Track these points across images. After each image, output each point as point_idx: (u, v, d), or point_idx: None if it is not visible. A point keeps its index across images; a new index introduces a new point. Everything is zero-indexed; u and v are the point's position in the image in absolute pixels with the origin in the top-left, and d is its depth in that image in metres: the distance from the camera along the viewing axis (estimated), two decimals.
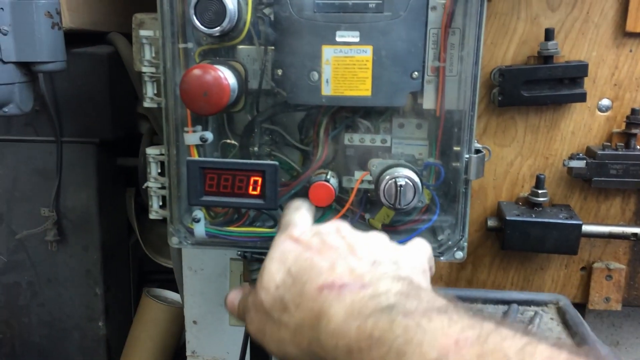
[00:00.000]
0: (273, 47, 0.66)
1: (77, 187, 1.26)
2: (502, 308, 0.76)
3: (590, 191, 0.93)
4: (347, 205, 0.70)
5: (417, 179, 0.65)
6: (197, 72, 0.62)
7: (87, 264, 1.30)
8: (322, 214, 0.72)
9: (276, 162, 0.65)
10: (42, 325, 1.35)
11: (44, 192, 1.25)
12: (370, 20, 0.63)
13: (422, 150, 0.71)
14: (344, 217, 0.71)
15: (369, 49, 0.63)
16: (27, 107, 0.85)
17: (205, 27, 0.63)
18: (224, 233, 0.71)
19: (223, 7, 0.62)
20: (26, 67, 0.82)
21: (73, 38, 1.06)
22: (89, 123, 1.23)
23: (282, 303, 0.46)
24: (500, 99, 0.87)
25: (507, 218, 0.88)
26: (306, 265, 0.46)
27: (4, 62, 0.79)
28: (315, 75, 0.64)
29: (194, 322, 1.11)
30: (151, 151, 0.73)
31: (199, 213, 0.70)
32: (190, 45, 0.68)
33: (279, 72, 0.66)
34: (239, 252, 0.78)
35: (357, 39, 0.63)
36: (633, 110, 0.87)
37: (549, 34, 0.85)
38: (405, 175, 0.65)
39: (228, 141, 0.73)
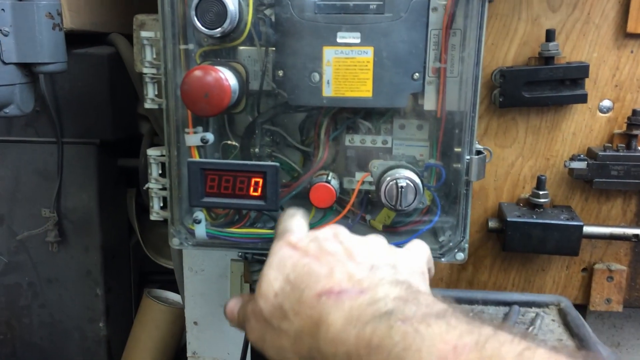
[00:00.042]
0: (274, 48, 0.66)
1: (78, 187, 1.26)
2: (503, 309, 0.76)
3: (591, 192, 0.93)
4: (348, 207, 0.70)
5: (418, 180, 0.65)
6: (198, 73, 0.62)
7: (88, 265, 1.30)
8: (323, 215, 0.71)
9: (277, 163, 0.65)
10: (42, 326, 1.35)
11: (44, 193, 1.25)
12: (371, 21, 0.63)
13: (423, 152, 0.71)
14: (345, 218, 0.71)
15: (370, 50, 0.63)
16: (28, 108, 0.86)
17: (206, 28, 0.63)
18: (225, 234, 0.71)
19: (224, 8, 0.62)
20: (27, 68, 0.82)
21: (74, 39, 1.06)
22: (89, 124, 1.23)
23: (281, 311, 0.46)
24: (501, 100, 0.87)
25: (508, 219, 0.88)
26: (304, 272, 0.46)
27: (5, 63, 0.79)
28: (316, 76, 0.64)
29: (195, 323, 1.11)
30: (152, 152, 0.73)
31: (199, 214, 0.70)
32: (191, 46, 0.68)
33: (280, 73, 0.66)
34: (240, 253, 0.78)
35: (358, 40, 0.63)
36: (634, 112, 0.87)
37: (549, 35, 0.85)
38: (406, 176, 0.65)
39: (229, 142, 0.73)
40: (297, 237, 0.52)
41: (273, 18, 0.65)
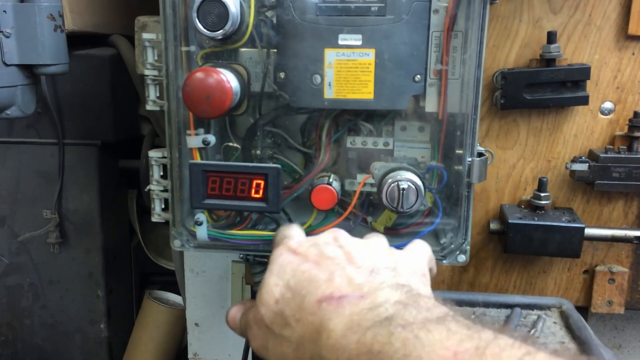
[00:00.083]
0: (275, 50, 0.66)
1: (79, 189, 1.26)
2: (504, 312, 0.76)
3: (592, 194, 0.93)
4: (350, 209, 0.70)
5: (419, 182, 0.65)
6: (199, 75, 0.62)
7: (89, 266, 1.31)
8: (324, 217, 0.71)
9: (278, 165, 0.65)
10: (44, 328, 1.35)
11: (46, 194, 1.26)
12: (373, 23, 0.63)
13: (425, 153, 0.71)
14: (346, 220, 0.71)
15: (371, 52, 0.63)
16: (30, 110, 0.86)
17: (207, 30, 0.63)
18: (226, 236, 0.71)
19: (226, 10, 0.62)
20: (28, 70, 0.82)
21: (75, 40, 1.06)
22: (91, 125, 1.23)
23: (283, 317, 0.46)
24: (502, 101, 0.87)
25: (510, 221, 0.87)
26: (304, 278, 0.46)
27: (7, 65, 0.79)
28: (318, 78, 0.64)
29: (196, 324, 1.11)
30: (153, 154, 0.73)
31: (201, 216, 0.70)
32: (192, 48, 0.68)
33: (282, 75, 0.66)
34: (241, 255, 0.78)
35: (359, 42, 0.63)
36: (636, 113, 0.87)
37: (551, 37, 0.85)
38: (408, 178, 0.65)
39: (230, 144, 0.73)
40: (297, 241, 0.52)
41: (274, 20, 0.65)
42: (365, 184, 0.70)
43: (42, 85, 1.15)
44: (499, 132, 0.92)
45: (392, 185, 0.65)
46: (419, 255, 0.53)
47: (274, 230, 0.72)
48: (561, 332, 0.72)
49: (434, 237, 0.71)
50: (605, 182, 0.87)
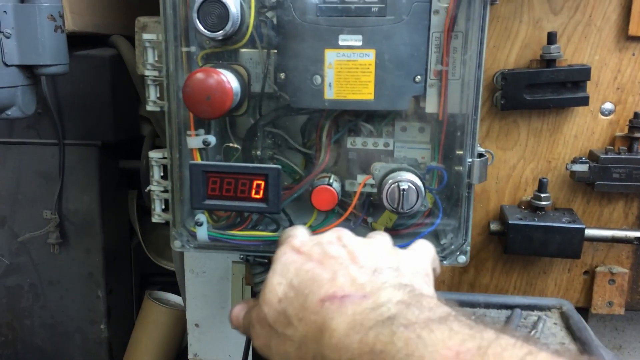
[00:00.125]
0: (276, 51, 0.66)
1: (80, 189, 1.26)
2: (505, 313, 0.76)
3: (593, 195, 0.93)
4: (350, 209, 0.70)
5: (420, 183, 0.65)
6: (200, 75, 0.62)
7: (89, 267, 1.30)
8: (324, 218, 0.71)
9: (279, 166, 0.65)
10: (44, 328, 1.35)
11: (46, 194, 1.26)
12: (373, 24, 0.63)
13: (425, 154, 0.71)
14: (347, 221, 0.71)
15: (371, 53, 0.63)
16: (30, 110, 0.86)
17: (208, 30, 0.63)
18: (227, 237, 0.71)
19: (226, 11, 0.62)
20: (29, 70, 0.83)
21: (75, 41, 1.06)
22: (91, 126, 1.23)
23: (286, 317, 0.46)
24: (502, 102, 0.87)
25: (510, 222, 0.87)
26: (308, 277, 0.46)
27: (7, 65, 0.79)
28: (318, 79, 0.64)
29: (196, 325, 1.11)
30: (154, 155, 0.73)
31: (201, 217, 0.70)
32: (193, 48, 0.68)
33: (282, 75, 0.66)
34: (242, 256, 0.78)
35: (359, 43, 0.63)
36: (636, 114, 0.87)
37: (551, 38, 0.85)
38: (408, 179, 0.65)
39: (231, 145, 0.73)
40: (301, 241, 0.52)
41: (275, 20, 0.65)
42: (365, 185, 0.70)
43: (43, 85, 1.15)
44: (499, 132, 0.92)
45: (393, 186, 0.65)
46: (423, 255, 0.53)
47: (274, 231, 0.72)
48: (561, 333, 0.72)
49: (434, 238, 0.71)
50: (606, 182, 0.87)
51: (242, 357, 0.79)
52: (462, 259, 0.70)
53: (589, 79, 0.86)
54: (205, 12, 0.62)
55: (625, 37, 0.87)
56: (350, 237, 0.52)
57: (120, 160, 1.33)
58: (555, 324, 0.74)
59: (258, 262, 0.78)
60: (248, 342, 0.83)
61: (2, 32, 0.78)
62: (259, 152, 0.72)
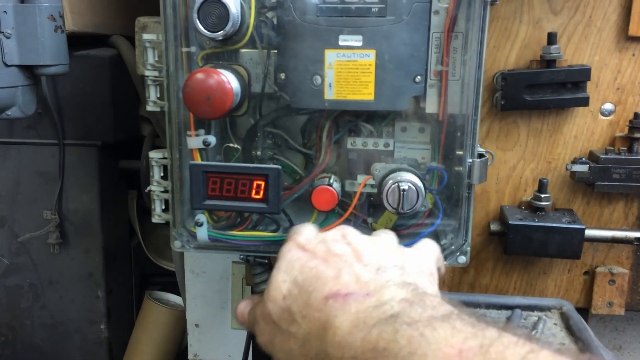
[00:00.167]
0: (276, 51, 0.66)
1: (80, 189, 1.26)
2: (505, 313, 0.76)
3: (593, 195, 0.93)
4: (350, 210, 0.70)
5: (420, 184, 0.65)
6: (200, 76, 0.62)
7: (89, 267, 1.30)
8: (325, 219, 0.71)
9: (279, 166, 0.65)
10: (43, 328, 1.35)
11: (46, 194, 1.26)
12: (373, 24, 0.63)
13: (425, 155, 0.71)
14: (347, 221, 0.71)
15: (371, 53, 0.63)
16: (30, 110, 0.86)
17: (208, 30, 0.63)
18: (227, 237, 0.71)
19: (226, 11, 0.62)
20: (29, 70, 0.82)
21: (75, 41, 1.06)
22: (91, 126, 1.23)
23: (290, 314, 0.46)
24: (502, 103, 0.87)
25: (510, 222, 0.87)
26: (312, 275, 0.46)
27: (7, 65, 0.79)
28: (318, 79, 0.64)
29: (196, 325, 1.11)
30: (154, 155, 0.73)
31: (201, 217, 0.70)
32: (193, 49, 0.68)
33: (282, 76, 0.66)
34: (242, 256, 0.78)
35: (360, 43, 0.63)
36: (636, 115, 0.87)
37: (551, 38, 0.85)
38: (409, 179, 0.65)
39: (231, 145, 0.73)
40: (306, 238, 0.52)
41: (275, 21, 0.65)
42: (365, 185, 0.70)
43: (43, 85, 1.15)
44: (499, 133, 0.92)
45: (393, 186, 0.65)
46: (427, 254, 0.54)
47: (274, 231, 0.72)
48: (562, 334, 0.72)
49: (434, 238, 0.70)
50: (606, 183, 0.87)
51: (242, 357, 0.79)
52: (462, 259, 0.70)
53: (589, 80, 0.86)
54: (205, 12, 0.62)
55: (626, 37, 0.87)
56: (355, 235, 0.52)
57: (120, 161, 1.33)
58: (555, 324, 0.74)
59: (258, 263, 0.78)
60: (248, 342, 0.83)
61: (2, 32, 0.78)
62: (259, 153, 0.72)
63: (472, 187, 0.67)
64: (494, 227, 0.93)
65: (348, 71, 0.64)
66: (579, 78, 0.86)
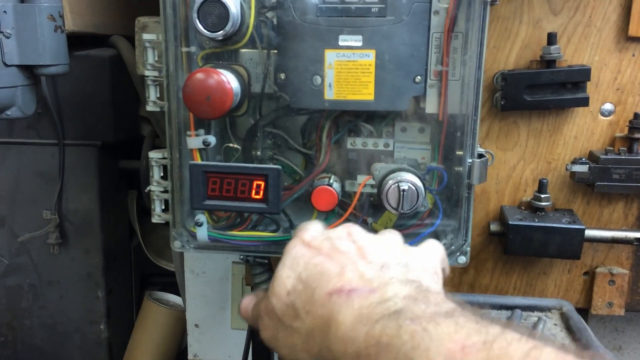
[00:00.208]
0: (276, 51, 0.66)
1: (79, 189, 1.26)
2: (505, 313, 0.76)
3: (593, 196, 0.93)
4: (350, 210, 0.70)
5: (420, 184, 0.65)
6: (200, 76, 0.62)
7: (89, 267, 1.30)
8: (324, 219, 0.71)
9: (279, 166, 0.65)
10: (43, 328, 1.35)
11: (46, 194, 1.26)
12: (373, 24, 0.63)
13: (425, 155, 0.71)
14: (347, 221, 0.71)
15: (371, 53, 0.63)
16: (30, 110, 0.86)
17: (208, 30, 0.63)
18: (227, 237, 0.71)
19: (226, 11, 0.62)
20: (29, 70, 0.82)
21: (75, 41, 1.06)
22: (91, 126, 1.23)
23: (294, 309, 0.46)
24: (502, 103, 0.87)
25: (510, 222, 0.87)
26: (316, 271, 0.47)
27: (7, 65, 0.79)
28: (318, 79, 0.64)
29: (196, 325, 1.11)
30: (154, 155, 0.73)
31: (201, 217, 0.70)
32: (193, 48, 0.68)
33: (282, 76, 0.66)
34: (241, 256, 0.78)
35: (359, 43, 0.63)
36: (636, 115, 0.87)
37: (551, 38, 0.85)
38: (409, 179, 0.65)
39: (231, 145, 0.73)
40: (311, 235, 0.52)
41: (275, 21, 0.65)
42: (365, 185, 0.70)
43: (43, 85, 1.15)
44: (499, 133, 0.92)
45: (393, 186, 0.65)
46: (432, 253, 0.54)
47: (274, 231, 0.72)
48: (562, 334, 0.72)
49: (434, 239, 0.71)
50: (606, 183, 0.87)
51: (242, 357, 0.79)
52: (462, 259, 0.70)
53: (589, 80, 0.86)
54: (205, 12, 0.62)
55: (625, 37, 0.87)
56: (360, 233, 0.52)
57: (120, 161, 1.33)
58: (555, 324, 0.74)
59: (258, 263, 0.79)
60: (248, 342, 0.83)
61: (2, 32, 0.78)
62: (259, 153, 0.72)
63: (472, 187, 0.67)
64: (493, 227, 0.93)
65: (348, 71, 0.64)
66: (578, 78, 0.86)
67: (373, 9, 0.63)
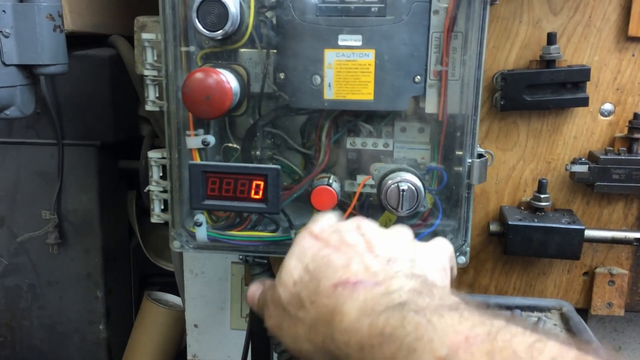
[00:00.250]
0: (275, 51, 0.66)
1: (79, 189, 1.26)
2: (504, 314, 0.76)
3: (592, 196, 0.93)
4: (349, 210, 0.70)
5: (419, 184, 0.65)
6: (199, 75, 0.62)
7: (88, 267, 1.30)
8: None
9: (278, 166, 0.65)
10: (42, 328, 1.35)
11: (45, 194, 1.25)
12: (373, 24, 0.63)
13: (425, 155, 0.71)
14: None
15: (371, 53, 0.63)
16: (29, 110, 0.85)
17: (207, 30, 0.63)
18: (226, 237, 0.71)
19: (225, 11, 0.62)
20: (28, 70, 0.82)
21: (75, 41, 1.06)
22: (90, 126, 1.23)
23: (299, 299, 0.47)
24: (502, 103, 0.87)
25: (510, 223, 0.87)
26: (323, 263, 0.47)
27: (6, 65, 0.79)
28: (318, 79, 0.64)
29: (195, 325, 1.11)
30: (153, 155, 0.73)
31: (201, 217, 0.70)
32: (192, 48, 0.67)
33: (281, 75, 0.66)
34: (241, 256, 0.78)
35: (359, 43, 0.63)
36: (635, 115, 0.87)
37: (551, 38, 0.85)
38: (408, 179, 0.65)
39: (230, 145, 0.73)
40: (320, 227, 0.53)
41: (274, 20, 0.65)
42: (365, 185, 0.70)
43: (42, 85, 1.14)
44: (499, 133, 0.92)
45: (392, 186, 0.65)
46: (440, 250, 0.54)
47: (273, 231, 0.72)
48: (561, 334, 0.71)
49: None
50: (605, 183, 0.87)
51: (242, 357, 0.79)
52: (462, 259, 0.69)
53: (588, 80, 0.86)
54: (204, 12, 0.62)
55: (625, 37, 0.87)
56: (369, 227, 0.53)
57: (120, 161, 1.33)
58: (555, 325, 0.74)
59: (257, 263, 0.78)
60: (247, 342, 0.83)
61: (1, 31, 0.78)
62: (258, 153, 0.72)
63: (472, 187, 0.67)
64: (493, 227, 0.93)
65: (347, 71, 0.64)
66: (578, 78, 0.86)
67: (373, 9, 0.63)
